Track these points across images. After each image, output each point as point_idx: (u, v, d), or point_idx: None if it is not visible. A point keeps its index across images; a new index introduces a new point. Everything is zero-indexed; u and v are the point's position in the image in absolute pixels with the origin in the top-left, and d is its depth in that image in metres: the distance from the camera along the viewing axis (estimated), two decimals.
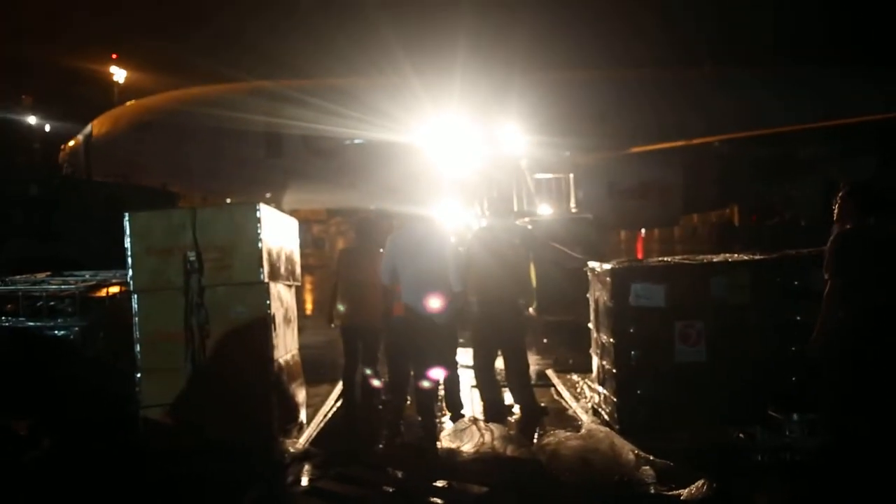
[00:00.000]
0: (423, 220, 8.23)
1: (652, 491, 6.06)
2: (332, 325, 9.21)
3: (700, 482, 5.79)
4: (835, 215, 6.36)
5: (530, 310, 8.73)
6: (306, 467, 7.01)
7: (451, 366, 8.45)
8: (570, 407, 8.74)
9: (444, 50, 31.25)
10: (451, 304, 7.75)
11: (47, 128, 29.28)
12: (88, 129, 18.82)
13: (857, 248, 6.05)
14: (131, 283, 7.14)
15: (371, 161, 26.68)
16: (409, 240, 7.92)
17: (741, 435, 7.06)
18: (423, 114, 24.11)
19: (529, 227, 12.78)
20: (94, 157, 18.03)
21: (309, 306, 19.24)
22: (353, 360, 9.01)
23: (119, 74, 41.26)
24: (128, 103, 30.79)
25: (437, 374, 7.91)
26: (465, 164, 17.38)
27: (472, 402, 8.96)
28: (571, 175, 19.24)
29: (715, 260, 7.75)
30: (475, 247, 8.59)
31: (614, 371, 7.48)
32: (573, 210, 20.46)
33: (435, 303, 7.71)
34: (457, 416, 8.29)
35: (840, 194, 6.34)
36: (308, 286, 22.85)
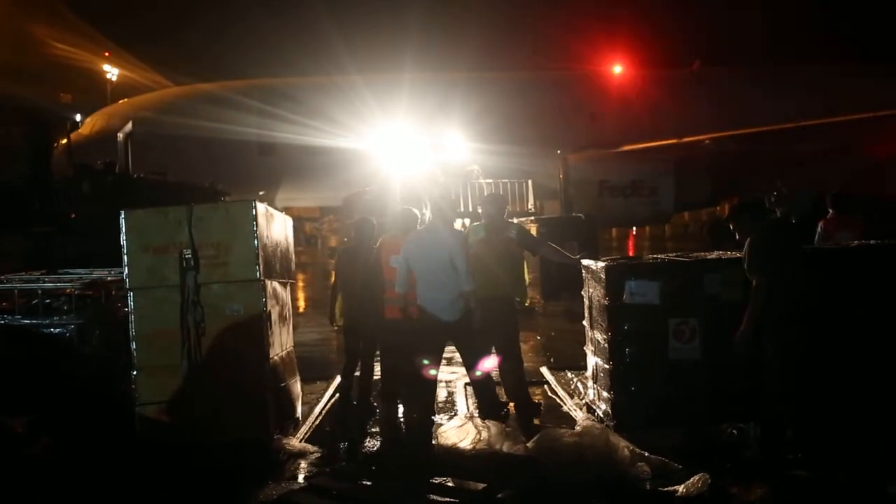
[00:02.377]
0: (433, 221, 8.30)
1: (647, 487, 6.11)
2: (335, 326, 9.24)
3: (695, 478, 5.82)
4: (735, 233, 7.09)
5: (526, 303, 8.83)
6: (302, 464, 7.03)
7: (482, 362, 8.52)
8: (565, 404, 8.77)
9: (391, 55, 31.55)
10: (463, 304, 7.81)
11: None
12: (129, 125, 18.77)
13: (769, 247, 6.69)
14: (127, 280, 7.14)
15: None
16: (421, 242, 7.99)
17: (735, 431, 7.11)
18: (373, 119, 24.46)
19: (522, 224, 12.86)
20: (134, 152, 17.99)
21: (302, 304, 19.24)
22: (352, 358, 9.04)
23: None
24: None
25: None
26: (413, 167, 17.72)
27: (466, 399, 9.00)
28: (530, 181, 19.68)
29: (709, 257, 7.78)
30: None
31: (609, 368, 7.50)
32: (530, 211, 21.42)
33: (451, 302, 7.79)
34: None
35: (733, 213, 7.23)
36: (300, 284, 22.88)
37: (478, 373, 7.90)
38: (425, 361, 7.68)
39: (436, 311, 7.72)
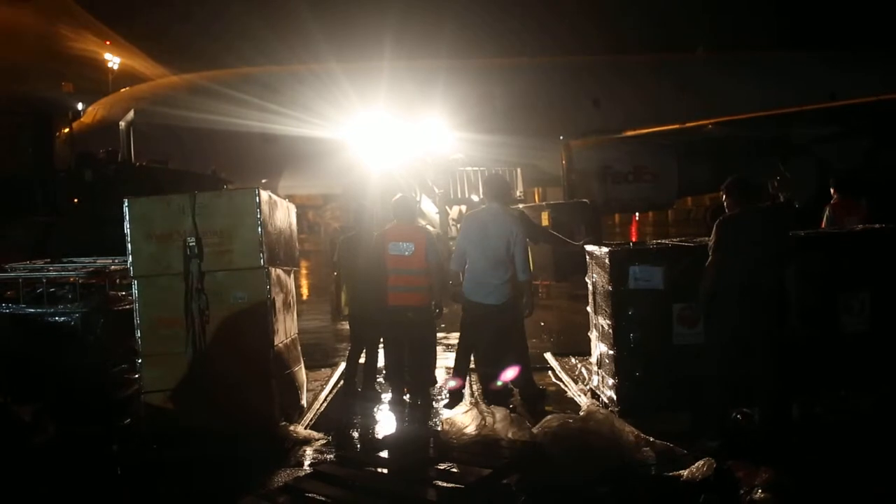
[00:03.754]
0: (488, 206, 8.40)
1: (652, 472, 6.11)
2: (343, 315, 9.24)
3: (700, 463, 5.82)
4: (725, 206, 7.15)
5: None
6: (308, 451, 7.05)
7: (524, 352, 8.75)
8: (569, 389, 8.78)
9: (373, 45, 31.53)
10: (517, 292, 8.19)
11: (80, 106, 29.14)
12: (130, 114, 18.73)
13: (730, 229, 6.81)
14: (131, 268, 7.14)
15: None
16: (476, 226, 8.12)
17: (739, 416, 7.10)
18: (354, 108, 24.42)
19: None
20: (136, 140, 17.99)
21: (305, 291, 19.25)
22: (357, 345, 9.05)
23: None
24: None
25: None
26: (397, 156, 17.77)
27: (470, 384, 9.00)
28: (518, 169, 19.66)
29: None
30: (473, 230, 8.61)
31: (613, 353, 7.51)
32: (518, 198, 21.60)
33: (497, 287, 8.11)
34: (532, 397, 8.47)
35: (723, 188, 7.19)
36: (303, 271, 22.88)
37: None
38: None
39: (480, 297, 7.92)
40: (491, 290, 8.12)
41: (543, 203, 21.37)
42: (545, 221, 17.08)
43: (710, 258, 6.78)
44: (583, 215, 17.12)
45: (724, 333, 6.67)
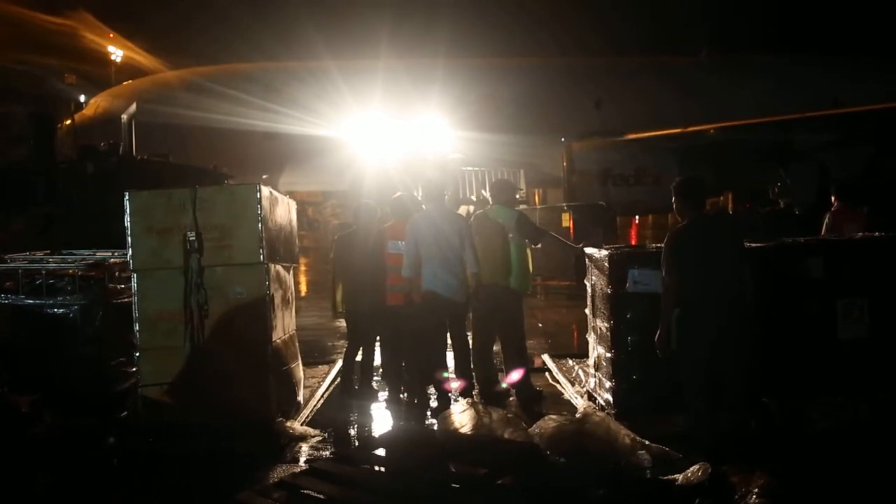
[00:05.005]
0: (437, 205, 8.42)
1: (647, 475, 6.12)
2: (339, 312, 9.23)
3: (695, 467, 5.81)
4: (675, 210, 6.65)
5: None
6: (304, 448, 7.07)
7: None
8: (566, 391, 8.79)
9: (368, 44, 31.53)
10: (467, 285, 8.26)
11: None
12: (133, 107, 18.76)
13: (683, 246, 6.37)
14: (131, 261, 7.16)
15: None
16: (427, 226, 8.13)
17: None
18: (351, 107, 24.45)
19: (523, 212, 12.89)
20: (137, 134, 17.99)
21: (304, 288, 19.25)
22: (354, 342, 9.05)
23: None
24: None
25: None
26: (396, 154, 17.82)
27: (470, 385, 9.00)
28: (522, 170, 19.71)
29: None
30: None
31: (611, 356, 7.51)
32: (520, 199, 21.71)
33: (461, 284, 8.21)
34: (529, 398, 8.58)
35: (672, 188, 6.64)
36: (302, 268, 22.88)
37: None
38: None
39: (450, 294, 7.96)
40: (457, 289, 8.28)
41: (564, 205, 21.54)
42: (567, 222, 17.22)
43: (666, 281, 6.44)
44: (601, 217, 17.30)
45: (697, 347, 6.38)
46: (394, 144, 19.83)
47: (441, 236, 8.17)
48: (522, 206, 20.85)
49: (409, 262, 8.21)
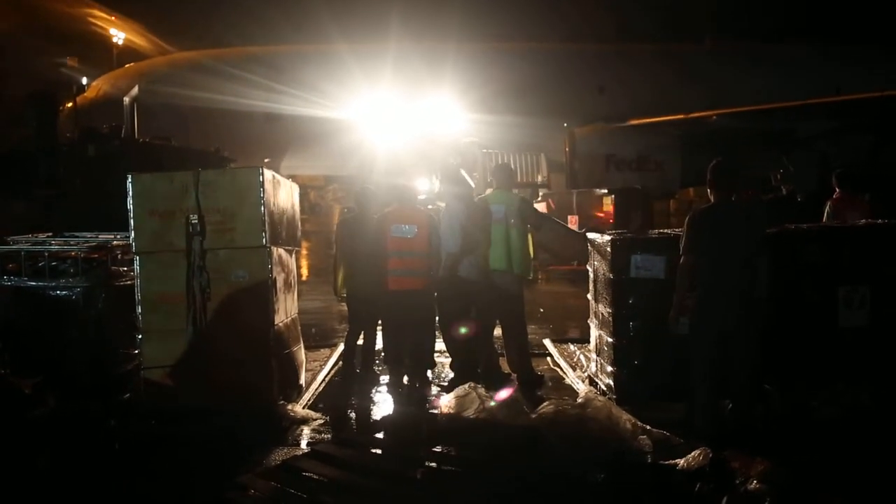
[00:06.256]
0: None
1: (648, 460, 6.13)
2: (341, 296, 9.24)
3: (696, 452, 5.83)
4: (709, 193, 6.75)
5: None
6: (305, 431, 7.08)
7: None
8: (567, 376, 8.80)
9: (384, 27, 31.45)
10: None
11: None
12: (134, 90, 18.74)
13: (705, 226, 6.45)
14: (133, 244, 7.16)
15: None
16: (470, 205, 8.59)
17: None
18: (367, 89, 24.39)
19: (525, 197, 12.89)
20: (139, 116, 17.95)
21: (306, 271, 19.26)
22: (356, 326, 9.06)
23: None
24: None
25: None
26: (413, 140, 17.83)
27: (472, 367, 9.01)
28: (543, 154, 19.68)
29: None
30: (475, 216, 8.61)
31: (613, 342, 7.52)
32: (541, 183, 21.65)
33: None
34: (530, 383, 8.63)
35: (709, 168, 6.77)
36: (304, 251, 22.89)
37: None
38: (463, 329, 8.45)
39: (474, 276, 8.44)
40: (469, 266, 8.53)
41: (605, 191, 21.55)
42: (609, 206, 17.36)
43: (682, 259, 6.52)
44: (637, 201, 17.46)
45: (709, 332, 6.46)
46: (403, 127, 19.77)
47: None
48: (544, 191, 20.94)
49: (454, 240, 8.50)
